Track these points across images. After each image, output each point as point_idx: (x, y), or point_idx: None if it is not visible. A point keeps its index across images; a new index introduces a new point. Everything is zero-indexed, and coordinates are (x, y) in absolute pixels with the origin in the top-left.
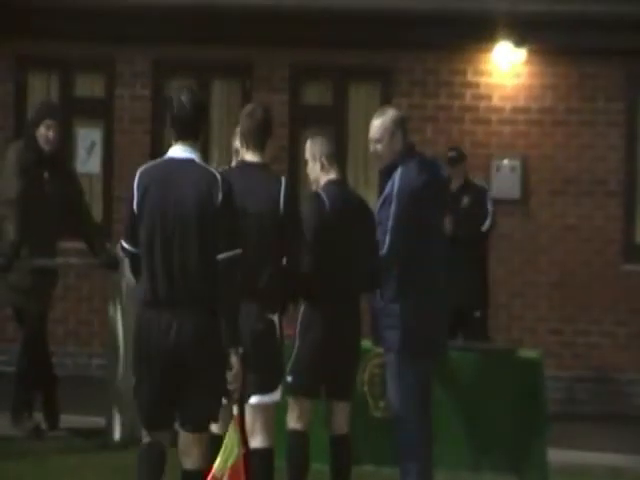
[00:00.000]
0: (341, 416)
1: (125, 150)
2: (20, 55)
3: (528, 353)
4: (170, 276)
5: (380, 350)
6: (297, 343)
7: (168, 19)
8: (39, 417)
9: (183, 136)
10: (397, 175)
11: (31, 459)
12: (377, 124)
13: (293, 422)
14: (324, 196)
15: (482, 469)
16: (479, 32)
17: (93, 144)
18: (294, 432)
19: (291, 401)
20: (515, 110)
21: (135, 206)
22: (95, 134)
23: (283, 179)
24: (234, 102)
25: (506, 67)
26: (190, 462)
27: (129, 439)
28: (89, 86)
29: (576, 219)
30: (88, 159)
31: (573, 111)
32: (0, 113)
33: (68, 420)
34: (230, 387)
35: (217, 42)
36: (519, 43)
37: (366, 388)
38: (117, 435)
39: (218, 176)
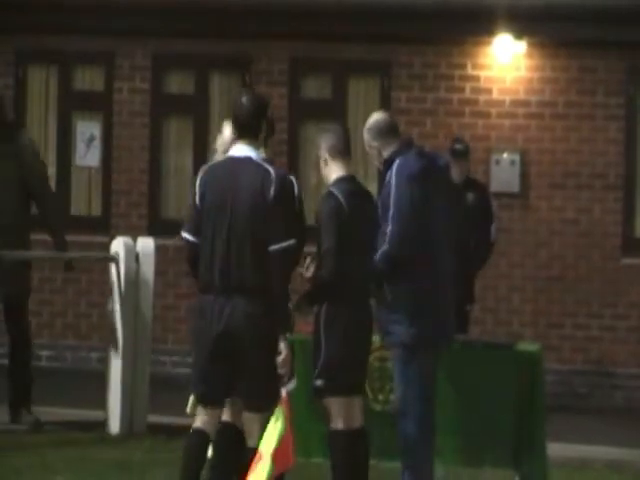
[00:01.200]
0: (358, 410)
1: (124, 143)
2: (19, 49)
3: (528, 346)
4: (227, 266)
5: (380, 343)
6: (323, 345)
7: (167, 13)
8: (39, 411)
9: (242, 135)
10: (395, 165)
11: (30, 452)
12: (366, 129)
13: (341, 423)
14: (339, 195)
15: (482, 463)
16: (478, 25)
17: (92, 137)
18: (348, 432)
19: (333, 402)
20: (515, 103)
21: (198, 201)
22: (94, 127)
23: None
24: (234, 96)
25: (506, 60)
26: (251, 441)
27: (128, 433)
28: (88, 79)
29: (575, 213)
30: (87, 152)
31: (572, 104)
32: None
33: (67, 413)
34: (279, 371)
35: (217, 36)
36: (518, 36)
37: (366, 381)
38: (116, 429)
39: (272, 172)
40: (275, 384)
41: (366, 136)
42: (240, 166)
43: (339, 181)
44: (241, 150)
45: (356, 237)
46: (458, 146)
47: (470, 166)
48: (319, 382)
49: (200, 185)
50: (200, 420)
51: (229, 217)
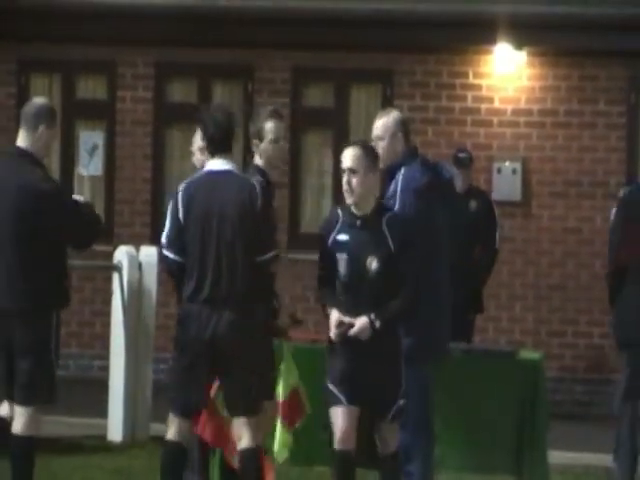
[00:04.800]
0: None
1: (127, 152)
2: (22, 58)
3: (529, 354)
4: (217, 277)
5: None
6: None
7: (170, 21)
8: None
9: (219, 151)
10: (400, 175)
11: None
12: (380, 123)
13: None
14: None
15: (483, 470)
16: (480, 34)
17: (95, 146)
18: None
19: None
20: (516, 112)
21: (181, 217)
22: (97, 136)
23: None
24: (236, 105)
25: (507, 69)
26: (243, 442)
27: (130, 440)
28: (91, 89)
29: (577, 221)
30: (90, 161)
31: (574, 113)
32: (3, 116)
33: (70, 422)
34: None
35: (219, 44)
36: (520, 45)
37: None
38: (118, 436)
39: (257, 184)
40: (260, 389)
41: (393, 126)
42: (223, 180)
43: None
44: (219, 164)
45: None
46: (461, 155)
47: (472, 174)
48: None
49: (183, 201)
50: (174, 432)
51: (217, 230)
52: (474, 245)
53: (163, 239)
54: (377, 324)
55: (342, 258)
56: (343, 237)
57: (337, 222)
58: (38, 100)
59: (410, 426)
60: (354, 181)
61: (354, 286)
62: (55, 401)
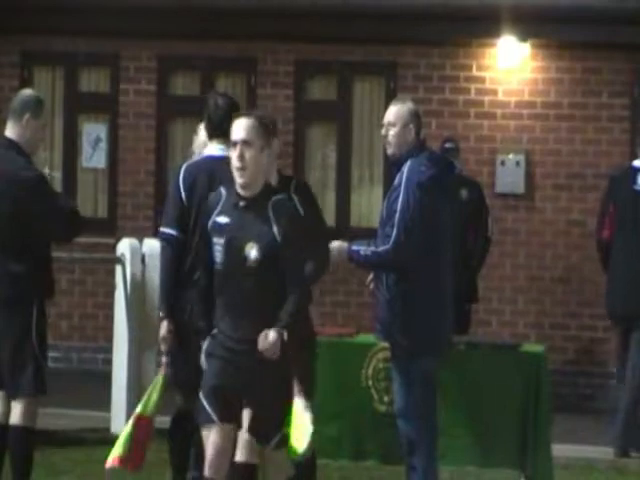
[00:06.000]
0: None
1: (130, 145)
2: (25, 51)
3: (532, 348)
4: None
5: (384, 344)
6: None
7: (173, 14)
8: (45, 413)
9: (217, 135)
10: (406, 167)
11: (36, 453)
12: (393, 110)
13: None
14: None
15: (487, 464)
16: (483, 27)
17: (98, 139)
18: None
19: None
20: (520, 105)
21: (184, 197)
22: (100, 129)
23: None
24: (239, 97)
25: (511, 62)
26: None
27: None
28: (94, 81)
29: (580, 214)
30: (93, 154)
31: (577, 106)
32: (6, 109)
33: (73, 415)
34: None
35: (222, 37)
36: (523, 38)
37: (370, 383)
38: (122, 430)
39: None
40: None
41: (407, 115)
42: (220, 167)
43: None
44: (217, 150)
45: None
46: (448, 145)
47: (462, 163)
48: None
49: (184, 183)
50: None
51: None
52: (466, 233)
53: (163, 219)
54: (285, 335)
55: (219, 243)
56: (223, 219)
57: (218, 203)
58: (25, 91)
59: (414, 420)
60: (247, 155)
61: (231, 276)
62: (44, 392)
